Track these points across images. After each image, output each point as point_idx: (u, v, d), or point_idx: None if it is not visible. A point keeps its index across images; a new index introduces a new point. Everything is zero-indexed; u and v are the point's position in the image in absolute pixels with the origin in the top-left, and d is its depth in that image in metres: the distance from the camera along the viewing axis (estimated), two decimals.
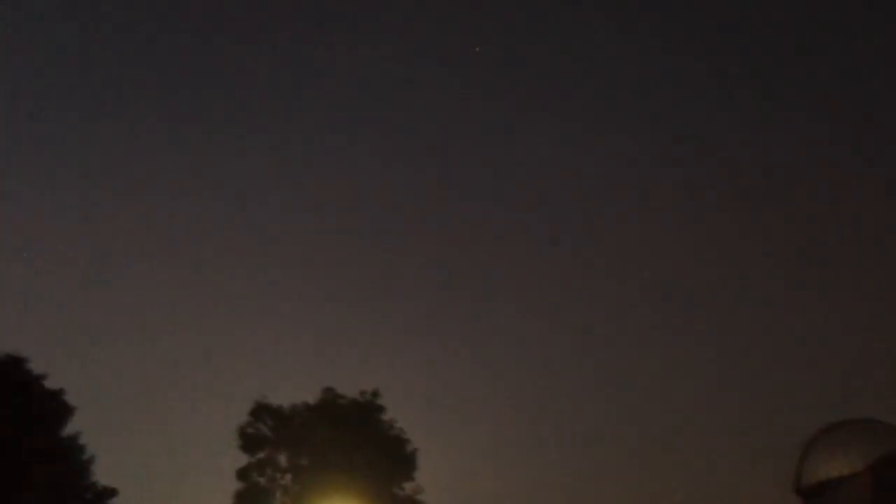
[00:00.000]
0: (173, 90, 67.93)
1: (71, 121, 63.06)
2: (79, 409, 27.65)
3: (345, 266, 67.00)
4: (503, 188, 69.86)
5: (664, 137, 64.16)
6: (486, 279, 67.61)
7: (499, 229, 68.99)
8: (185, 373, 56.62)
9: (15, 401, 25.64)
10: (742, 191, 63.97)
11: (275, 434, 30.60)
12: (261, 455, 30.41)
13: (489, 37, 65.35)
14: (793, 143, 62.62)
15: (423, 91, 69.06)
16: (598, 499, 52.86)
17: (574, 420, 57.74)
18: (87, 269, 58.85)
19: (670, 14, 62.42)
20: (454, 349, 62.16)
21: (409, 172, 69.45)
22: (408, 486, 30.86)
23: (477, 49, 59.51)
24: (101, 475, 27.95)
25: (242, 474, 29.99)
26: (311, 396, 31.53)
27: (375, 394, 31.63)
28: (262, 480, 30.11)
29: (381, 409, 31.54)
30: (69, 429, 27.55)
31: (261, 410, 30.82)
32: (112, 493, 27.95)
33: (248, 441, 30.39)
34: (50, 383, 27.05)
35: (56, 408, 27.07)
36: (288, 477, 30.31)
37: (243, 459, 30.32)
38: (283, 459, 30.54)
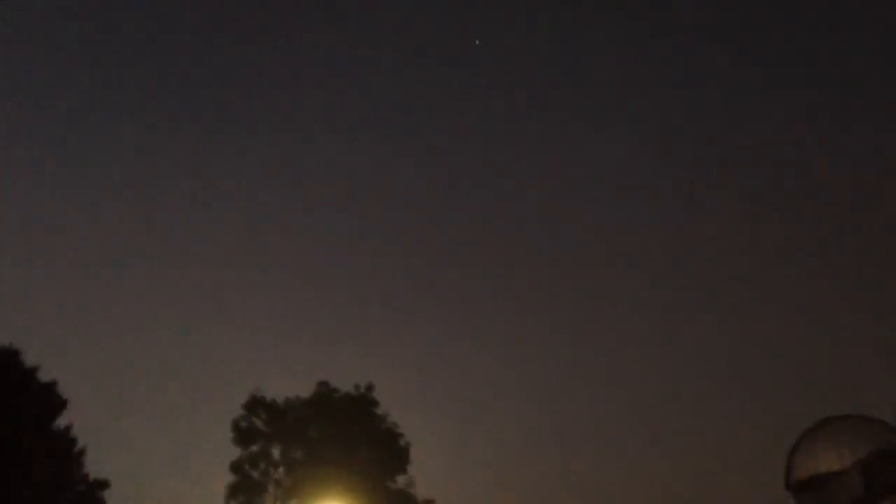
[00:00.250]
0: (172, 90, 67.82)
1: (62, 117, 62.97)
2: (71, 401, 27.46)
3: (340, 263, 67.08)
4: (498, 186, 70.10)
5: (667, 135, 64.63)
6: (480, 276, 67.80)
7: (493, 227, 69.18)
8: (180, 366, 56.57)
9: (8, 393, 25.46)
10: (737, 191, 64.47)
11: (269, 427, 30.56)
12: (254, 448, 30.37)
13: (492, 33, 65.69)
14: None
15: (414, 89, 69.20)
16: (589, 489, 53.19)
17: (567, 413, 58.02)
18: (82, 263, 58.65)
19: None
20: (447, 345, 62.29)
21: (403, 169, 69.56)
22: (400, 479, 30.93)
23: (476, 42, 59.44)
24: (94, 467, 27.80)
25: (236, 467, 29.92)
26: (306, 391, 31.57)
27: (369, 388, 31.68)
28: (255, 473, 30.06)
29: (374, 403, 31.57)
30: (61, 421, 27.38)
31: (255, 404, 30.77)
32: (104, 485, 27.81)
33: (242, 434, 30.34)
34: (42, 375, 26.87)
35: (49, 400, 26.91)
36: (281, 470, 30.29)
37: (237, 452, 30.31)
38: (276, 453, 30.52)
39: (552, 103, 67.85)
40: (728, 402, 55.71)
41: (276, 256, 65.13)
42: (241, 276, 62.33)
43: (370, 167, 69.17)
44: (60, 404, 27.24)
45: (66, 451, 27.32)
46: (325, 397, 31.20)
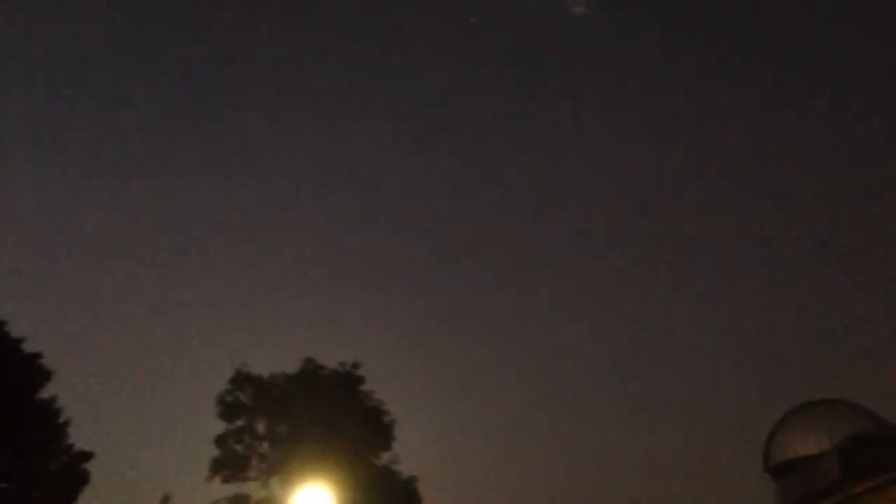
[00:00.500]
0: (160, 79, 67.09)
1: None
2: (57, 373, 27.40)
3: (327, 244, 67.00)
4: (479, 169, 70.06)
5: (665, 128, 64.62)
6: (465, 256, 67.96)
7: (476, 207, 69.21)
8: (168, 341, 56.59)
9: None
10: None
11: (254, 402, 30.56)
12: (239, 423, 30.38)
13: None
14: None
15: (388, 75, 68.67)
16: (570, 470, 53.81)
17: (549, 392, 58.55)
18: (70, 235, 58.34)
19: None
20: (434, 325, 62.56)
21: (386, 150, 69.32)
22: (385, 456, 31.08)
23: (473, 20, 58.77)
24: (78, 439, 27.79)
25: (220, 441, 29.95)
26: (293, 368, 31.59)
27: (355, 366, 31.75)
28: (239, 448, 30.07)
29: (360, 380, 31.66)
30: (46, 392, 27.32)
31: (241, 379, 30.75)
32: (88, 456, 27.80)
33: (227, 408, 30.35)
34: (27, 347, 26.76)
35: (33, 371, 26.83)
36: (266, 445, 30.32)
37: (223, 427, 30.34)
38: (261, 427, 30.52)
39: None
40: (709, 386, 56.41)
41: (267, 236, 65.08)
42: (231, 252, 62.28)
43: (349, 143, 69.01)
44: (45, 375, 27.17)
45: (50, 422, 27.29)
46: (310, 373, 31.24)
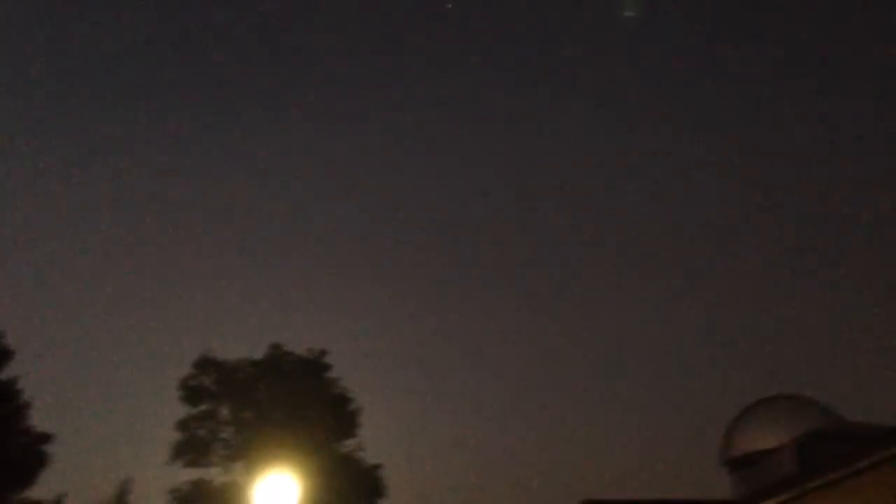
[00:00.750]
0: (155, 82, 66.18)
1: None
2: (19, 354, 27.09)
3: (299, 231, 66.63)
4: (454, 159, 70.10)
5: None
6: (436, 243, 68.06)
7: (449, 194, 69.27)
8: (132, 325, 55.99)
9: None
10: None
11: (218, 387, 30.40)
12: (203, 407, 30.22)
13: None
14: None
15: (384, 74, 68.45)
16: (538, 459, 54.27)
17: (516, 382, 58.92)
18: (33, 221, 57.43)
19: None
20: (403, 314, 62.57)
21: (358, 137, 69.05)
22: (349, 443, 31.12)
23: (449, 6, 58.16)
24: (39, 421, 27.49)
25: (182, 425, 29.76)
26: (259, 353, 31.48)
27: (322, 353, 31.71)
28: (201, 432, 29.91)
29: (326, 367, 31.63)
30: (7, 373, 26.98)
31: (205, 363, 30.57)
32: (47, 438, 27.51)
33: (191, 393, 30.17)
34: None
35: None
36: (230, 430, 30.20)
37: (185, 411, 30.15)
38: (224, 412, 30.39)
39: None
40: (670, 380, 57.19)
41: (237, 222, 64.58)
42: (197, 238, 61.73)
43: (321, 132, 68.71)
44: (6, 355, 26.84)
45: (10, 403, 26.95)
46: (276, 359, 31.15)
